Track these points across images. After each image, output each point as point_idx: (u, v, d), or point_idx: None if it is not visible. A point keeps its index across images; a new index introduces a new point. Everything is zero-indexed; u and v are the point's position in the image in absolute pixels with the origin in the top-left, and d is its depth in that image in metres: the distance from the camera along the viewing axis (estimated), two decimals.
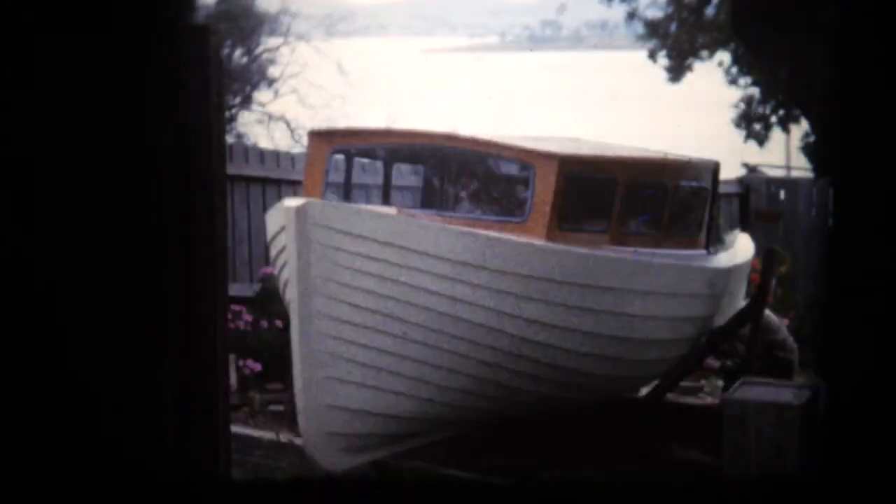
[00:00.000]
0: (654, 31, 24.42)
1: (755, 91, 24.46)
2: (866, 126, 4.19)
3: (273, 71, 28.36)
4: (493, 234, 7.82)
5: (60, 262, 4.15)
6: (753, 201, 16.87)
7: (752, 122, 24.57)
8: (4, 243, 4.11)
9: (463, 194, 9.26)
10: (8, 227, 4.10)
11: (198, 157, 4.49)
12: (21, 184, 4.12)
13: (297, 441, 7.95)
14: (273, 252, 7.91)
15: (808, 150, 22.88)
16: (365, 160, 10.74)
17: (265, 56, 28.44)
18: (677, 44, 23.97)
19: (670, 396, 10.24)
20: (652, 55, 24.75)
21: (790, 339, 10.81)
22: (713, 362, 10.63)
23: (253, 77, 28.03)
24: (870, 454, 4.22)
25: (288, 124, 27.45)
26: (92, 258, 4.18)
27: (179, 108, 4.36)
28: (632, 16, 24.35)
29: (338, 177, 9.43)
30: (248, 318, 10.69)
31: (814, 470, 6.93)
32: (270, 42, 28.49)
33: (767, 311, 10.38)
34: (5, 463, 4.17)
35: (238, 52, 27.53)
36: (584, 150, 9.30)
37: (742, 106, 24.72)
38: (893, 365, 4.16)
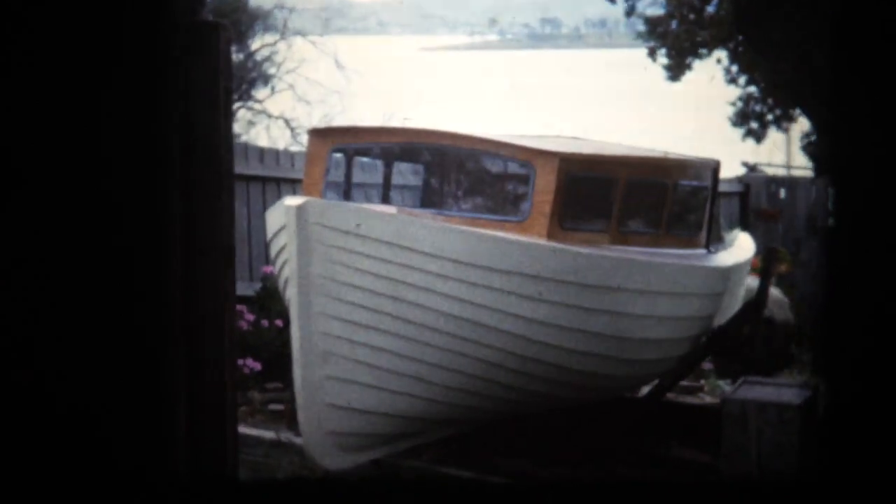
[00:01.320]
0: (654, 29, 24.38)
1: (753, 89, 24.45)
2: (868, 124, 4.17)
3: (270, 68, 28.33)
4: (493, 233, 7.81)
5: (65, 262, 4.14)
6: (753, 200, 16.89)
7: (749, 120, 24.57)
8: (8, 245, 4.10)
9: (463, 193, 9.25)
10: (11, 228, 4.08)
11: (205, 155, 4.48)
12: (23, 183, 4.10)
13: (297, 440, 7.94)
14: (273, 251, 7.90)
15: (809, 149, 22.87)
16: (365, 159, 10.74)
17: (261, 53, 28.41)
18: (677, 42, 23.94)
19: (670, 396, 10.23)
20: (652, 54, 24.72)
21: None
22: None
23: (249, 74, 28.00)
24: (870, 453, 4.20)
25: (287, 122, 27.43)
26: (98, 258, 4.17)
27: (187, 105, 4.35)
28: (631, 10, 24.30)
29: (338, 175, 9.42)
30: (250, 317, 10.67)
31: (814, 469, 6.92)
32: (266, 38, 28.46)
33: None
34: (10, 462, 4.16)
35: (234, 49, 27.48)
36: (585, 149, 9.29)
37: (739, 104, 24.72)
38: (894, 364, 4.15)
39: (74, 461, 4.19)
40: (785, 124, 24.58)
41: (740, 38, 20.39)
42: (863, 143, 4.19)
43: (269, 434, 8.70)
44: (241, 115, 27.81)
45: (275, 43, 28.28)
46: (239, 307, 10.63)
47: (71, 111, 4.11)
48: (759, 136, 24.79)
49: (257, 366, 10.25)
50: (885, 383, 4.17)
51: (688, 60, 24.36)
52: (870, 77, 4.15)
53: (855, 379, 4.22)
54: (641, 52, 25.32)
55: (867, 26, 4.18)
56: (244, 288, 11.24)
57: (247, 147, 12.62)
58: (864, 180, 4.22)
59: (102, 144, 4.14)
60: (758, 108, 24.69)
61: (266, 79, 28.05)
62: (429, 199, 9.64)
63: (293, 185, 12.10)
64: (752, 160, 20.99)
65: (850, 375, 4.23)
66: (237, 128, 27.32)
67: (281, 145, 25.26)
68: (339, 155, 9.37)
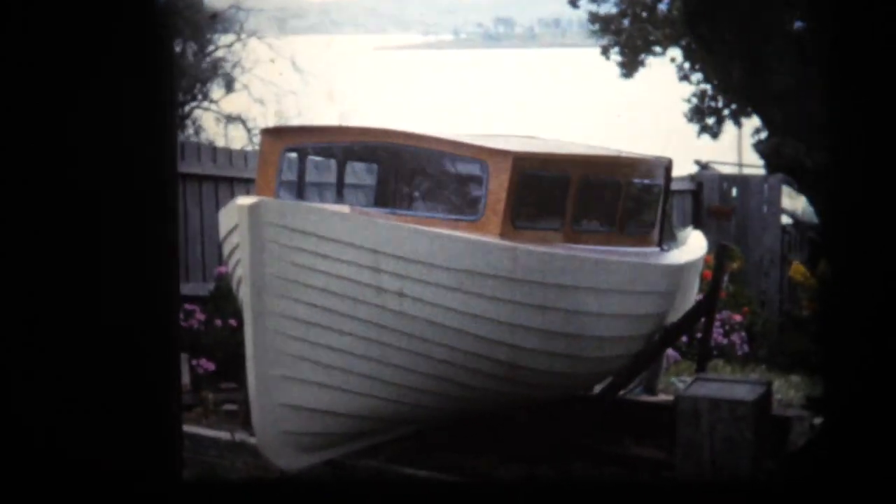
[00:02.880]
0: (607, 27, 24.42)
1: (707, 87, 24.54)
2: (859, 128, 4.20)
3: (225, 67, 28.20)
4: (446, 231, 7.82)
5: (4, 261, 4.11)
6: (706, 198, 16.99)
7: (704, 117, 24.65)
8: None
9: (417, 193, 9.26)
10: None
11: (148, 154, 4.45)
12: None
13: (252, 440, 7.92)
14: (226, 251, 7.87)
15: (759, 147, 22.95)
16: (318, 158, 10.71)
17: (217, 53, 28.27)
18: (630, 40, 24.00)
19: (624, 393, 10.27)
20: (605, 51, 24.76)
21: None
22: None
23: (205, 74, 27.86)
24: (869, 453, 4.22)
25: (244, 122, 27.32)
26: (40, 257, 4.14)
27: (130, 104, 4.32)
28: (594, 18, 24.33)
29: (291, 175, 9.39)
30: (202, 317, 10.63)
31: (810, 469, 6.95)
32: (223, 39, 28.33)
33: None
34: None
35: (190, 49, 27.39)
36: (538, 148, 9.31)
37: (694, 101, 24.80)
38: (891, 365, 4.17)
39: (20, 463, 4.16)
40: (741, 119, 24.69)
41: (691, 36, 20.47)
42: (854, 146, 4.22)
43: (223, 434, 8.68)
44: (197, 114, 27.69)
45: (231, 44, 28.17)
46: (192, 307, 10.59)
47: (4, 113, 4.08)
48: (715, 133, 24.86)
49: (211, 366, 10.22)
50: (884, 384, 4.20)
51: (641, 58, 24.42)
52: (862, 83, 4.18)
53: (854, 380, 4.24)
54: (595, 52, 25.36)
55: (829, 27, 4.21)
56: (197, 288, 11.20)
57: (199, 147, 12.58)
58: (855, 182, 4.25)
59: (41, 144, 4.11)
60: (713, 104, 24.77)
61: (225, 79, 27.91)
62: (382, 198, 9.63)
63: (246, 185, 12.06)
64: (704, 158, 21.10)
65: (849, 376, 4.25)
66: (196, 126, 27.19)
67: (237, 144, 25.17)
68: (292, 154, 9.34)
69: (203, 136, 26.55)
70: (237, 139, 26.78)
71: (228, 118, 27.24)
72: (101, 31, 4.18)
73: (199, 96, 27.39)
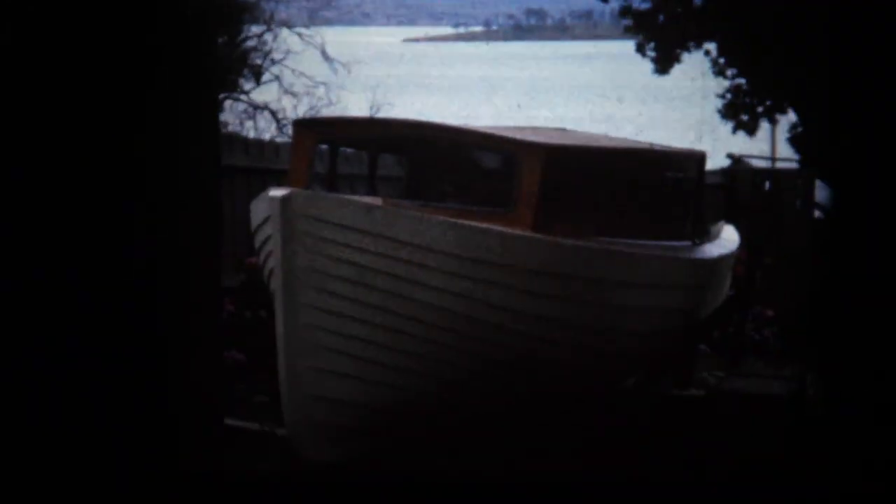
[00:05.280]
0: (641, 23, 24.27)
1: (742, 81, 24.36)
2: (866, 119, 4.18)
3: (256, 58, 28.22)
4: (478, 224, 7.81)
5: (53, 249, 4.12)
6: (738, 192, 16.89)
7: (738, 113, 24.46)
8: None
9: (449, 185, 9.25)
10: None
11: (191, 147, 4.47)
12: (9, 169, 4.08)
13: (282, 432, 7.93)
14: (257, 242, 7.88)
15: (794, 141, 22.79)
16: (349, 150, 10.72)
17: (248, 43, 28.30)
18: (665, 35, 23.85)
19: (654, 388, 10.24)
20: (640, 49, 24.64)
21: None
22: None
23: (236, 65, 27.89)
24: (866, 445, 4.22)
25: (273, 114, 27.35)
26: (86, 247, 4.15)
27: (175, 97, 4.33)
28: (626, 11, 24.17)
29: (323, 167, 9.41)
30: (232, 308, 10.64)
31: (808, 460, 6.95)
32: (253, 30, 28.37)
33: None
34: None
35: (221, 40, 27.41)
36: (570, 142, 9.29)
37: (729, 97, 24.61)
38: (890, 357, 4.15)
39: (66, 449, 4.18)
40: (776, 116, 24.49)
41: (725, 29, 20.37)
42: (861, 138, 4.20)
43: (253, 426, 8.68)
44: (227, 105, 27.72)
45: (261, 35, 28.19)
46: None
47: (58, 104, 4.09)
48: (750, 129, 24.67)
49: (241, 357, 10.22)
50: (879, 373, 4.18)
51: (676, 53, 24.28)
52: (867, 74, 4.16)
53: (852, 372, 4.24)
54: (627, 44, 25.27)
55: (864, 25, 4.19)
56: (228, 279, 11.21)
57: (232, 138, 12.60)
58: (862, 175, 4.24)
59: (87, 140, 4.12)
60: (748, 100, 24.56)
61: (254, 69, 27.92)
62: (414, 190, 9.64)
63: (278, 177, 12.07)
64: (737, 152, 20.99)
65: (847, 368, 4.25)
66: (227, 118, 27.23)
67: (267, 137, 25.22)
68: (324, 146, 9.35)
69: (230, 128, 26.59)
70: (267, 131, 26.82)
71: (255, 107, 27.27)
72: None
73: (230, 87, 27.42)
